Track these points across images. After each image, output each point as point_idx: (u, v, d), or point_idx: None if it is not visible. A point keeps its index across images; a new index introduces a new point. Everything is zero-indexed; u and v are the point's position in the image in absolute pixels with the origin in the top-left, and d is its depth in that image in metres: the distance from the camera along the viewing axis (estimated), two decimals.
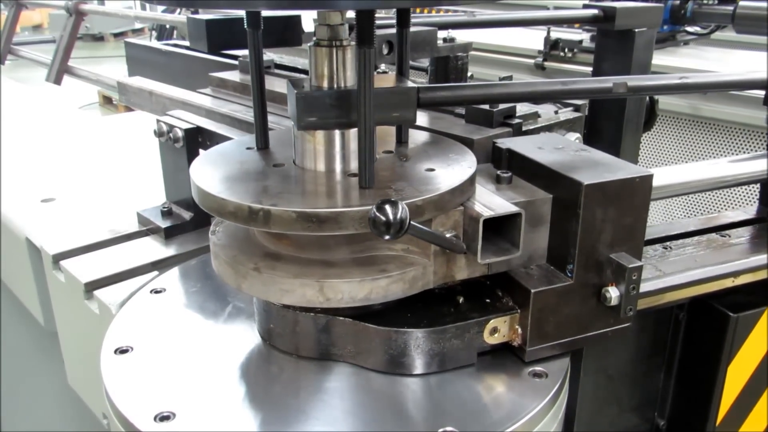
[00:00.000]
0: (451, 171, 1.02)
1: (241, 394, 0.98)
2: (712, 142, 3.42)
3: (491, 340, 1.02)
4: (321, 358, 1.04)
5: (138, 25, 14.38)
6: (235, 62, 1.98)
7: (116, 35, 14.61)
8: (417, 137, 1.19)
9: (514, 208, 0.94)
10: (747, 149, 3.30)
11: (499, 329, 1.02)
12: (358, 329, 1.00)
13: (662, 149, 3.60)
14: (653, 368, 1.35)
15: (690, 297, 1.24)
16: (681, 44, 4.10)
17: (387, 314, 1.01)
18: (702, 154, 3.47)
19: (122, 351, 1.07)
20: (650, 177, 1.01)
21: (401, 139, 1.16)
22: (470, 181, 1.00)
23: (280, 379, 1.01)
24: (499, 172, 1.08)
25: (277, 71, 1.89)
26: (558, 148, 1.11)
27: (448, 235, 0.97)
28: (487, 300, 1.05)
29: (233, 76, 1.79)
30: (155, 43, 2.88)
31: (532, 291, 0.99)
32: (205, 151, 1.18)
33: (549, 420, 0.97)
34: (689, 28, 4.06)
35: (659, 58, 3.49)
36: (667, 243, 1.32)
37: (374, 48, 0.90)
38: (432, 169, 1.03)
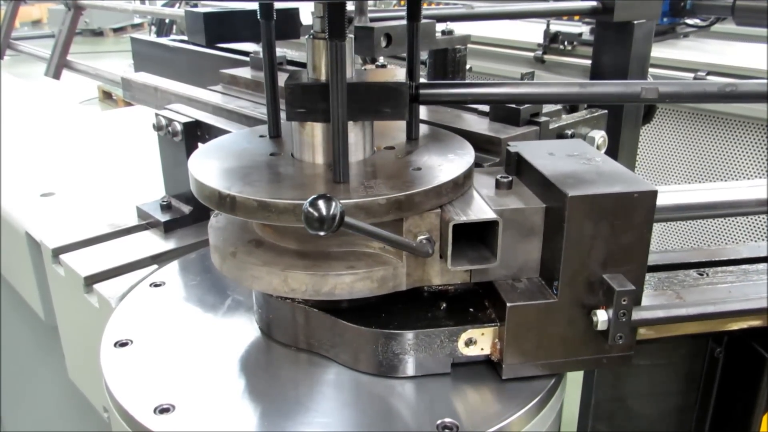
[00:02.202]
0: (438, 172, 0.99)
1: (240, 386, 0.98)
2: (713, 135, 3.42)
3: (467, 351, 0.98)
4: (299, 347, 1.05)
5: (137, 20, 14.35)
6: (246, 58, 1.94)
7: (115, 30, 14.58)
8: (430, 134, 1.17)
9: (489, 216, 0.91)
10: (747, 142, 3.30)
11: (475, 341, 0.97)
12: (328, 323, 1.00)
13: (662, 142, 3.60)
14: (685, 405, 1.23)
15: (716, 331, 1.10)
16: (681, 36, 4.09)
17: (361, 311, 1.00)
18: (702, 147, 3.46)
19: (122, 344, 1.07)
20: (653, 193, 0.91)
21: (411, 136, 1.14)
22: (452, 184, 0.96)
23: (279, 372, 1.01)
24: (498, 176, 1.04)
25: (289, 67, 1.88)
26: (570, 156, 1.04)
27: (420, 238, 0.94)
28: (471, 309, 1.00)
29: (245, 72, 1.77)
30: (162, 39, 2.86)
31: (508, 305, 0.94)
32: (221, 136, 1.19)
33: (545, 414, 0.97)
34: (689, 21, 4.06)
35: (659, 51, 3.49)
36: (706, 269, 1.18)
37: (345, 41, 0.89)
38: (419, 169, 1.01)
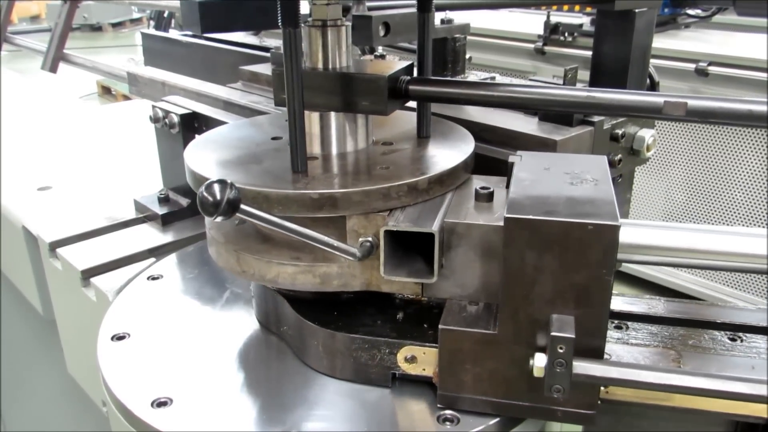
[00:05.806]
0: (403, 174, 0.95)
1: (238, 379, 0.98)
2: (713, 131, 3.39)
3: (408, 368, 0.92)
4: (272, 331, 1.07)
5: (136, 15, 14.31)
6: (265, 54, 1.85)
7: (114, 25, 14.54)
8: (446, 133, 1.13)
9: (426, 227, 0.85)
10: (746, 137, 3.28)
11: (417, 358, 0.91)
12: (287, 313, 1.00)
13: (661, 139, 3.58)
14: None
15: (743, 414, 0.87)
16: (682, 27, 4.07)
17: (324, 306, 0.99)
18: (702, 143, 3.44)
19: (119, 338, 1.06)
20: (612, 228, 0.76)
21: (421, 133, 1.11)
22: (405, 188, 0.91)
23: (276, 364, 1.01)
24: (478, 187, 0.95)
25: None
26: (566, 173, 0.91)
27: (361, 240, 0.90)
28: (425, 326, 0.94)
29: (265, 69, 1.71)
30: (174, 34, 2.81)
31: (440, 326, 0.86)
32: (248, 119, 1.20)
33: None
34: (690, 11, 4.04)
35: (660, 41, 3.47)
36: (744, 333, 0.97)
37: (299, 28, 0.88)
38: (387, 168, 0.98)
